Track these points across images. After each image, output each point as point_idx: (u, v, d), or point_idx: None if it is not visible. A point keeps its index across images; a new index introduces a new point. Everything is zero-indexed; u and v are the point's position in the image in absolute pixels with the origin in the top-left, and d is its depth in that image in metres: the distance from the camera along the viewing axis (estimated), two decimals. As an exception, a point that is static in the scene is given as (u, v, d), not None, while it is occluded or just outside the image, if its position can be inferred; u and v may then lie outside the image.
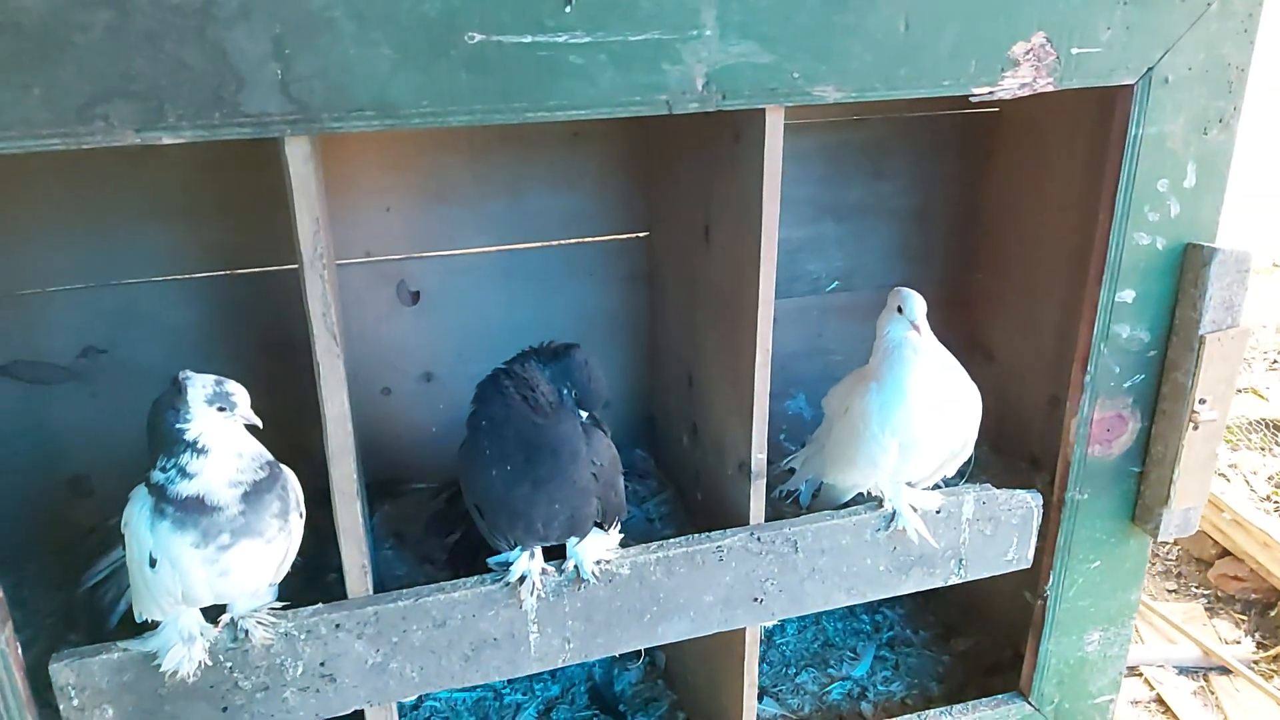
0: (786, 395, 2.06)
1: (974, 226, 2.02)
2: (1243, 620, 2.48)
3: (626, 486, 1.69)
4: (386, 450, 1.83)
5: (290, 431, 1.36)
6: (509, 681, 2.06)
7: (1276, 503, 2.80)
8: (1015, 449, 1.94)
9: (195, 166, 1.58)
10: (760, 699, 1.98)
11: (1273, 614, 2.46)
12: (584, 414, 1.36)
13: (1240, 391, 3.36)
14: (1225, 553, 2.58)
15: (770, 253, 1.38)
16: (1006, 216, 1.94)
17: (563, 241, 1.82)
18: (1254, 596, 2.51)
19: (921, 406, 1.46)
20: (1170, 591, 2.60)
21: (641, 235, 1.86)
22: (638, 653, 2.11)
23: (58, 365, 1.63)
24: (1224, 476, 2.76)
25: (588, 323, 1.89)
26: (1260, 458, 2.99)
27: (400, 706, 1.97)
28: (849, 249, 2.00)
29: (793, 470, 1.74)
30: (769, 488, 1.74)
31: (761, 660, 2.10)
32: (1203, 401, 1.55)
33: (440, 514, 1.66)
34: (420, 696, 2.01)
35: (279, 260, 1.65)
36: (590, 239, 1.84)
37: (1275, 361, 3.76)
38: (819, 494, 1.70)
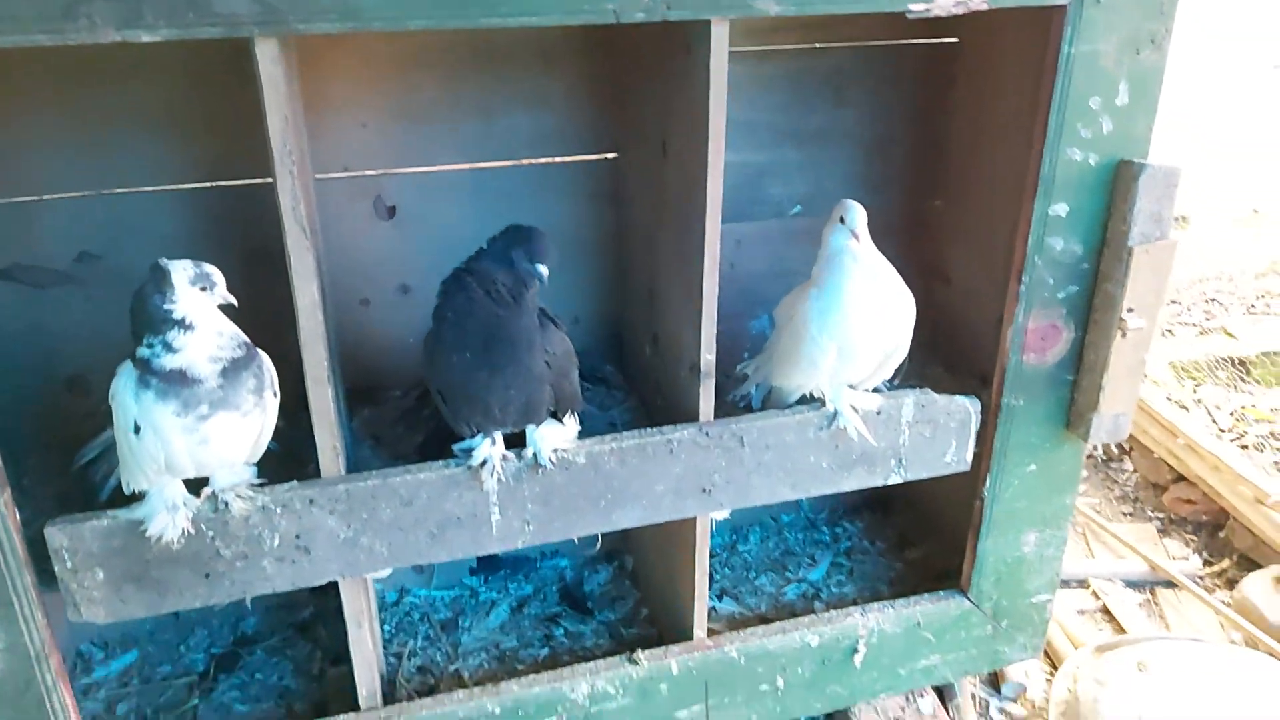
0: (751, 315, 2.14)
1: (933, 155, 2.09)
2: (1192, 540, 2.58)
3: (586, 388, 1.80)
4: (366, 358, 1.93)
5: (272, 338, 1.46)
6: (485, 581, 2.19)
7: (1237, 435, 2.89)
8: (967, 368, 2.02)
9: (180, 83, 1.67)
10: (720, 599, 2.11)
11: (1221, 534, 2.56)
12: (541, 269, 1.43)
13: (1210, 332, 3.44)
14: (1180, 478, 2.68)
15: (718, 160, 1.47)
16: (965, 145, 2.01)
17: (534, 161, 1.91)
18: (1204, 518, 2.61)
19: (858, 310, 1.56)
20: (1126, 514, 2.70)
21: (610, 156, 1.95)
22: (608, 556, 2.24)
23: (55, 269, 1.73)
24: (1184, 407, 2.85)
25: (558, 242, 1.93)
26: (1225, 393, 3.08)
27: (381, 601, 2.12)
28: (810, 175, 2.07)
29: (747, 377, 1.84)
30: (724, 393, 1.85)
31: (724, 566, 2.23)
32: (1130, 310, 1.63)
33: (410, 410, 1.77)
34: (401, 592, 2.14)
35: (261, 173, 1.74)
36: (560, 159, 1.92)
37: (1253, 306, 3.82)
38: (769, 399, 1.80)
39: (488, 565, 2.21)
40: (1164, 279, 1.64)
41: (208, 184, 1.76)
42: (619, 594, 2.15)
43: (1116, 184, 1.60)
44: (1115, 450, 2.93)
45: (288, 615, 2.08)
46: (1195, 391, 3.07)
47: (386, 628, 2.05)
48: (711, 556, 2.24)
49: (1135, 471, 2.84)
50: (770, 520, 2.37)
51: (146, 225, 1.75)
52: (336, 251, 1.82)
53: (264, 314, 1.48)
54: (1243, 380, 3.15)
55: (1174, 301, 3.83)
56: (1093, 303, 1.68)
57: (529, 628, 2.06)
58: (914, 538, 2.26)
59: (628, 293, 2.02)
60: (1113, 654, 2.06)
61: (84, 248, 1.73)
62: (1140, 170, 1.56)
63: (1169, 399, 2.82)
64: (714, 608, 2.07)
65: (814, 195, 2.10)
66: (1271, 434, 2.88)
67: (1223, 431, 2.87)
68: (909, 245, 2.08)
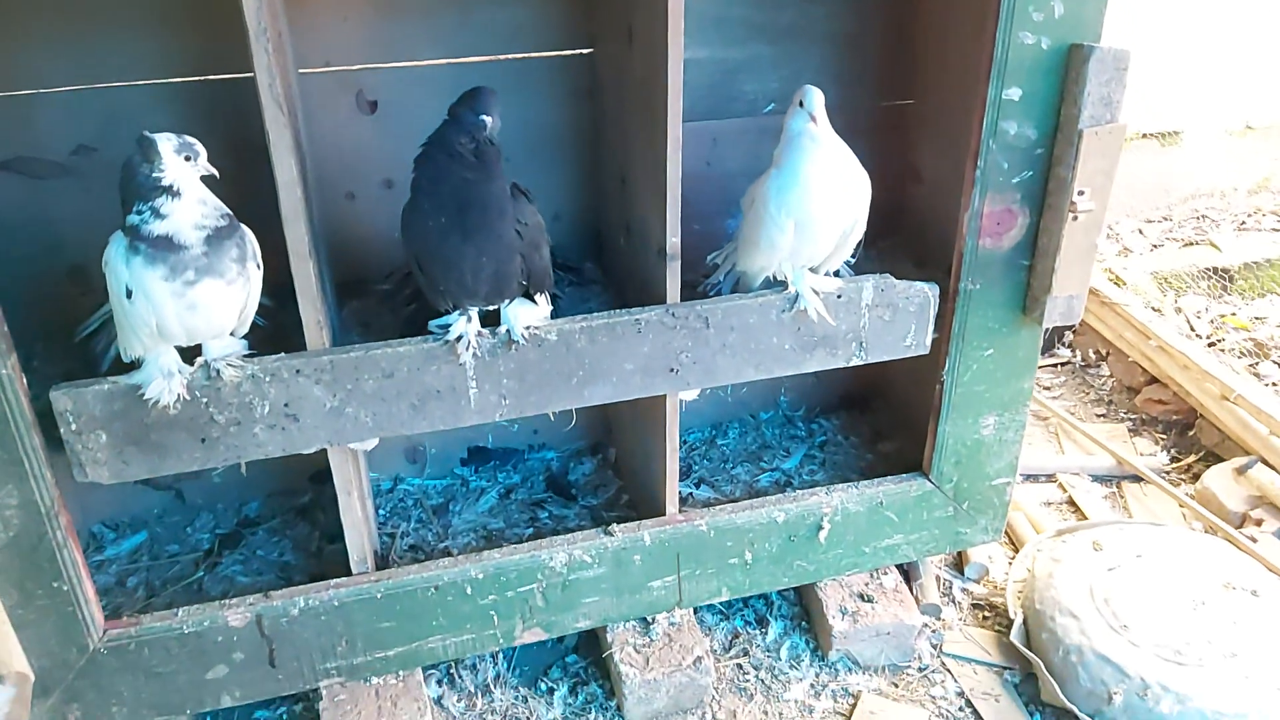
0: (727, 214, 2.20)
1: (904, 51, 2.12)
2: (1162, 438, 2.66)
3: (561, 278, 1.89)
4: (353, 252, 2.01)
5: (263, 228, 1.53)
6: (475, 471, 2.30)
7: (1213, 342, 2.95)
8: (937, 263, 2.09)
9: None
10: (698, 486, 2.21)
11: (1191, 432, 2.64)
12: (485, 118, 1.49)
13: (1197, 244, 3.48)
14: (1153, 380, 2.75)
15: (678, 39, 1.52)
16: (934, 40, 2.04)
17: (511, 56, 1.96)
18: (1175, 417, 2.69)
19: (814, 188, 1.63)
20: (1099, 415, 2.78)
21: (585, 52, 1.99)
22: (593, 449, 2.35)
23: (54, 162, 1.81)
24: (1159, 311, 2.91)
25: (537, 137, 2.04)
26: (1205, 301, 3.13)
27: (376, 489, 2.23)
28: (783, 71, 2.12)
29: (717, 267, 1.91)
30: (695, 285, 1.93)
31: (704, 458, 2.33)
32: (1081, 193, 1.69)
33: (390, 294, 1.86)
34: (395, 480, 2.26)
35: (249, 68, 1.80)
36: (537, 54, 1.97)
37: (1244, 223, 3.84)
38: (737, 287, 1.88)
39: (478, 457, 2.32)
40: (1114, 162, 1.69)
41: (198, 78, 1.83)
42: (601, 482, 2.25)
43: (1068, 67, 1.65)
44: (1093, 356, 3.00)
45: (288, 500, 2.19)
46: (1176, 301, 3.12)
47: (381, 512, 2.16)
48: (691, 450, 2.36)
49: (1111, 376, 2.91)
50: (749, 418, 2.46)
51: (140, 119, 1.80)
52: (320, 145, 1.89)
53: (254, 205, 1.56)
54: (1225, 291, 3.20)
55: (1165, 218, 3.85)
56: (1046, 187, 1.74)
57: (515, 512, 2.17)
58: (888, 433, 2.35)
59: (604, 188, 2.08)
60: (1071, 536, 2.16)
61: (81, 141, 1.81)
62: (1090, 53, 1.61)
63: (1147, 305, 2.88)
64: (691, 494, 2.18)
65: (788, 92, 2.10)
66: (1250, 340, 2.94)
67: (1199, 337, 2.93)
68: (883, 145, 2.13)
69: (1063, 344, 3.07)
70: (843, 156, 1.65)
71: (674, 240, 1.68)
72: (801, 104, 1.63)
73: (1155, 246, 3.57)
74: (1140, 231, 3.74)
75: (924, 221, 2.13)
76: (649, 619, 1.98)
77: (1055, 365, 3.02)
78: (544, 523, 2.13)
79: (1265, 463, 2.34)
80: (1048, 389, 2.90)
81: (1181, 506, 2.37)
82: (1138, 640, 1.82)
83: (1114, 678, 1.79)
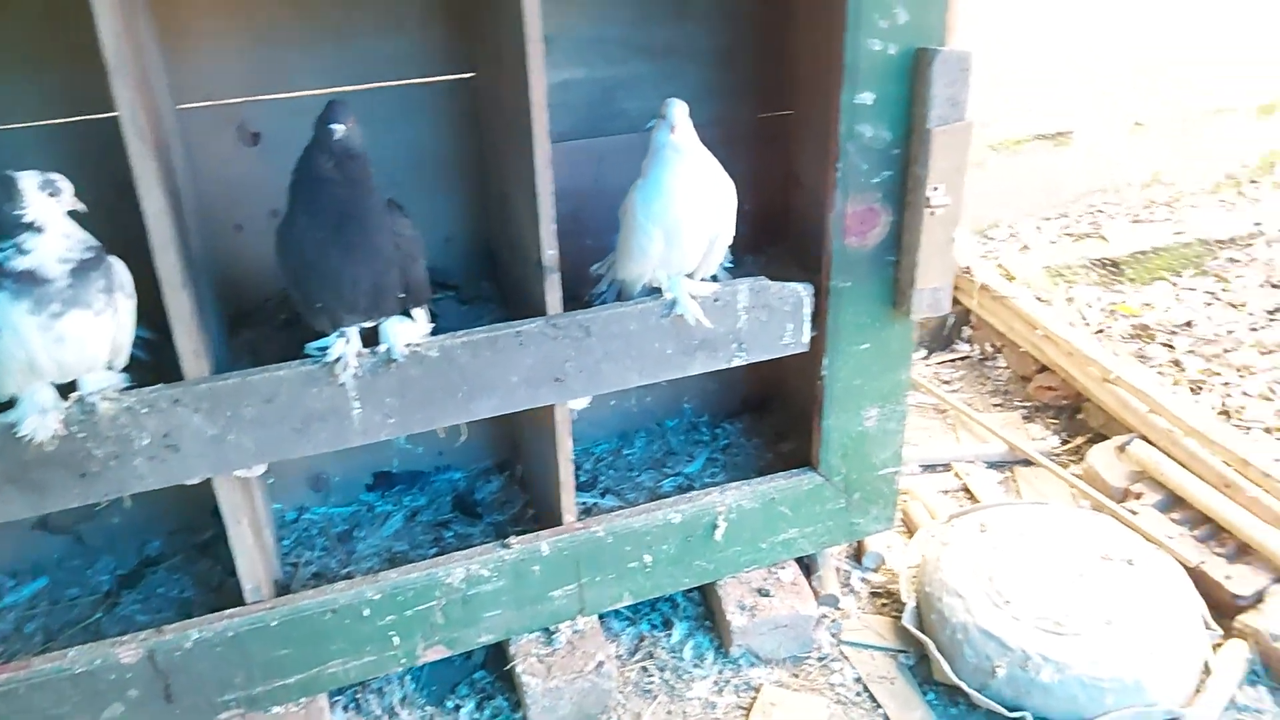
0: (614, 230, 2.27)
1: (782, 65, 2.20)
2: (1053, 423, 2.77)
3: (458, 299, 1.92)
4: (242, 283, 2.02)
5: (146, 266, 1.54)
6: (382, 496, 2.31)
7: (1103, 328, 3.07)
8: (820, 266, 2.16)
9: (40, 18, 1.74)
10: (603, 496, 2.24)
11: (1080, 416, 2.75)
12: (334, 127, 1.53)
13: (1088, 237, 3.62)
14: (1043, 368, 2.86)
15: (536, 48, 1.57)
16: (808, 53, 2.11)
17: (392, 83, 2.00)
18: (1064, 402, 2.80)
19: (678, 196, 1.69)
20: (996, 405, 2.88)
21: (467, 76, 2.04)
22: (500, 466, 2.38)
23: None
24: (1046, 302, 3.03)
25: (423, 163, 2.07)
26: (1096, 291, 3.27)
27: (280, 519, 2.23)
28: (664, 89, 2.15)
29: (601, 277, 1.97)
30: (580, 297, 1.98)
31: (610, 468, 2.37)
32: (935, 189, 1.78)
33: (267, 317, 1.89)
34: (300, 510, 2.26)
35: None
36: (419, 80, 2.01)
37: (1138, 217, 4.01)
38: (620, 296, 1.93)
39: (384, 482, 2.33)
40: (963, 157, 1.78)
41: (78, 118, 1.84)
42: (508, 499, 2.28)
43: (915, 71, 1.74)
44: (989, 349, 3.11)
45: (190, 537, 2.18)
46: (1069, 292, 3.25)
47: (286, 542, 2.16)
48: (598, 461, 2.39)
49: (1007, 367, 3.02)
50: (655, 426, 2.51)
51: (21, 161, 1.80)
52: (205, 179, 1.90)
53: (138, 240, 1.57)
54: (1115, 280, 3.34)
55: (1062, 215, 4.00)
56: (905, 185, 1.82)
57: (420, 533, 2.18)
58: (787, 433, 2.41)
59: (491, 208, 2.13)
60: (960, 520, 2.23)
61: (-37, 183, 1.80)
62: (934, 56, 1.70)
63: (1037, 298, 2.99)
64: (597, 504, 2.21)
65: (668, 109, 2.21)
66: (1137, 325, 3.07)
67: (1088, 325, 3.05)
68: (765, 155, 2.22)
69: (961, 339, 3.18)
70: (706, 165, 1.71)
71: (551, 253, 1.72)
72: (664, 116, 1.70)
73: (1052, 243, 3.71)
74: (1038, 229, 3.88)
75: (806, 226, 2.20)
76: (552, 629, 2.00)
77: (955, 360, 3.12)
78: (449, 542, 2.14)
79: (1144, 439, 2.45)
80: (948, 383, 3.00)
81: (1071, 487, 2.47)
82: (1019, 614, 1.89)
83: (997, 651, 1.86)
